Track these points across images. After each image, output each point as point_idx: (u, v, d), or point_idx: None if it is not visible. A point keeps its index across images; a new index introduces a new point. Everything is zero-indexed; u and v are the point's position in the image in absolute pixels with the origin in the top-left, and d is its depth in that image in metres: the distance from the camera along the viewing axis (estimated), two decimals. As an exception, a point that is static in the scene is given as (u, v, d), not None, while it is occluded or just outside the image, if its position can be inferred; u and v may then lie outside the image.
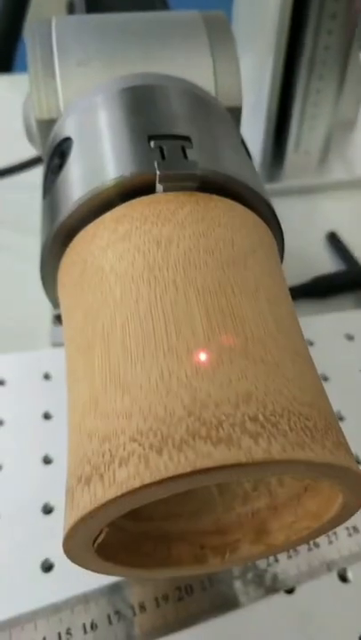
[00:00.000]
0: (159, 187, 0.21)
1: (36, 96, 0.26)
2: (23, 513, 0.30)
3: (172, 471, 0.15)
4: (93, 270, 0.21)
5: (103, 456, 0.16)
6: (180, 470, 0.15)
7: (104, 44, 0.27)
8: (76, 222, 0.22)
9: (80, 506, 0.16)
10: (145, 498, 0.15)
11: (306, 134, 0.51)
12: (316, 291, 0.43)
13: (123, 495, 0.15)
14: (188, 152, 0.22)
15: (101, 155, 0.22)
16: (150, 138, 0.22)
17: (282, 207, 0.50)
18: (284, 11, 0.43)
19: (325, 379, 0.36)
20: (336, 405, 0.34)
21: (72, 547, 0.18)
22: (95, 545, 0.19)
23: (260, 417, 0.16)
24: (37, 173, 0.33)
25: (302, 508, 0.22)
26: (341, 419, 0.34)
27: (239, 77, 0.27)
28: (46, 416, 0.34)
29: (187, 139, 0.22)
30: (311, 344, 0.38)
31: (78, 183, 0.22)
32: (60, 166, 0.24)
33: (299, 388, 0.18)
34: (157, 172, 0.21)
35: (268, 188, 0.51)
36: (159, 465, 0.15)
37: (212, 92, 0.27)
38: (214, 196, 0.22)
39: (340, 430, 0.18)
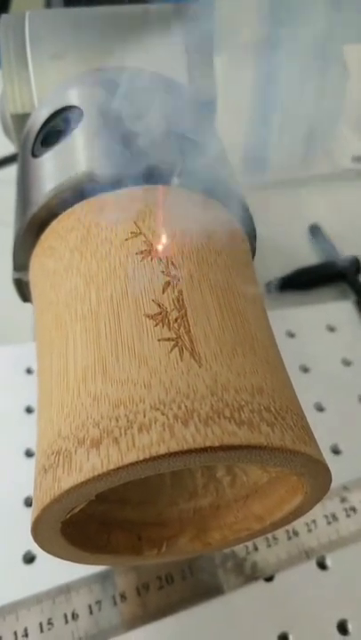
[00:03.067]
0: (175, 180, 0.22)
1: (10, 90, 0.26)
2: (5, 506, 0.30)
3: (199, 443, 0.15)
4: (100, 240, 0.21)
5: (117, 420, 0.16)
6: (208, 443, 0.15)
7: (79, 38, 0.27)
8: (49, 212, 0.22)
9: (86, 468, 0.16)
10: (158, 467, 0.16)
11: (289, 127, 0.51)
12: (299, 282, 0.43)
13: (144, 460, 0.15)
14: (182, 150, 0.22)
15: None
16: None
17: (265, 200, 0.50)
18: (264, 4, 0.43)
19: (306, 370, 0.37)
20: (317, 396, 0.35)
21: (51, 515, 0.17)
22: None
23: (272, 409, 0.17)
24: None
25: (247, 509, 0.23)
26: (322, 409, 0.34)
27: (213, 71, 0.27)
28: (28, 410, 0.34)
29: (180, 136, 0.23)
30: (293, 335, 0.39)
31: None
32: (33, 157, 0.24)
33: (291, 390, 0.19)
34: (176, 168, 0.22)
35: (252, 180, 0.52)
36: (186, 435, 0.15)
37: (186, 85, 0.27)
38: (194, 193, 0.22)
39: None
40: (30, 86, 0.26)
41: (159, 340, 0.18)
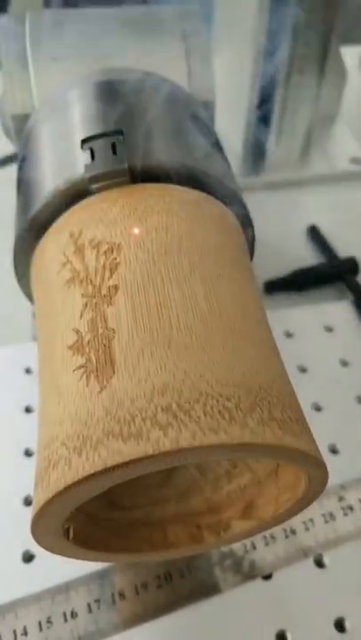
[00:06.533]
0: (93, 188, 0.21)
1: (10, 91, 0.26)
2: (4, 505, 0.30)
3: (87, 471, 0.16)
4: (41, 279, 0.22)
5: (44, 461, 0.17)
6: (94, 469, 0.16)
7: (79, 39, 0.27)
8: (48, 216, 0.22)
9: (33, 508, 0.18)
10: (77, 496, 0.16)
11: (287, 128, 0.51)
12: (297, 283, 0.43)
13: (54, 497, 0.16)
14: (118, 147, 0.22)
15: (54, 157, 0.23)
16: (83, 141, 0.22)
17: (263, 201, 0.50)
18: (264, 6, 0.43)
19: (304, 370, 0.37)
20: (314, 396, 0.35)
21: (41, 539, 0.19)
22: (70, 537, 0.20)
23: (174, 406, 0.16)
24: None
25: (281, 480, 0.22)
26: (319, 409, 0.35)
27: (212, 72, 0.27)
28: (27, 410, 0.34)
29: (118, 133, 0.22)
30: (291, 336, 0.39)
31: (45, 181, 0.23)
32: (32, 161, 0.24)
33: (227, 368, 0.18)
34: (86, 175, 0.21)
35: (250, 181, 0.52)
36: (78, 466, 0.16)
37: (185, 86, 0.27)
38: (149, 185, 0.22)
39: (277, 404, 0.18)
40: (30, 87, 0.26)
41: (74, 370, 0.18)
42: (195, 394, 0.16)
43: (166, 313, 0.18)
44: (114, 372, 0.17)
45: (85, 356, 0.18)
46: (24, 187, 0.24)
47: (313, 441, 0.18)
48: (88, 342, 0.18)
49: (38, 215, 0.22)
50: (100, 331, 0.18)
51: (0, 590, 0.27)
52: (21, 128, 0.26)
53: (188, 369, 0.17)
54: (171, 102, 0.25)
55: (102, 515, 0.23)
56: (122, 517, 0.24)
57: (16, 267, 0.24)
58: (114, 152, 0.22)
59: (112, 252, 0.20)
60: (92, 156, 0.22)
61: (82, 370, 0.18)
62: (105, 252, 0.20)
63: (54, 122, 0.24)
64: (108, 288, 0.19)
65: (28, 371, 0.36)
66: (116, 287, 0.19)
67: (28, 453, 0.32)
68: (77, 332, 0.19)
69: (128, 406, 0.16)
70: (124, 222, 0.20)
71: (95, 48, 0.27)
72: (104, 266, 0.19)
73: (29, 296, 0.26)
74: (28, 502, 0.30)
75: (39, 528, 0.18)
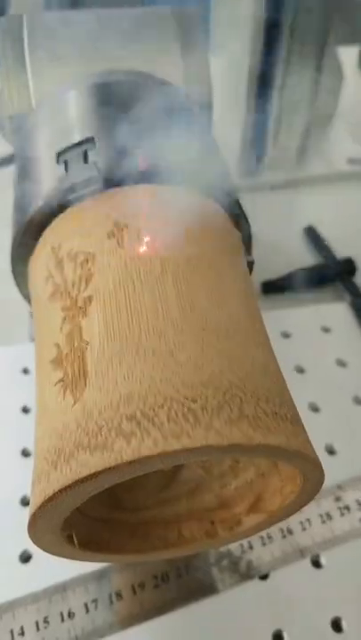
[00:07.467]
0: (70, 199, 0.21)
1: (7, 92, 0.26)
2: (2, 505, 0.30)
3: (61, 484, 0.16)
4: (33, 295, 0.22)
5: (33, 474, 0.18)
6: (66, 482, 0.16)
7: (76, 41, 0.27)
8: (44, 217, 0.22)
9: (28, 517, 0.18)
10: (56, 508, 0.17)
11: (284, 129, 0.51)
12: (294, 284, 0.43)
13: (38, 508, 0.17)
14: (90, 155, 0.22)
15: (37, 170, 0.23)
16: (58, 154, 0.23)
17: (261, 201, 0.50)
18: (260, 7, 0.43)
19: (301, 370, 0.37)
20: (311, 397, 0.35)
21: (39, 542, 0.20)
22: (75, 543, 0.21)
23: (138, 414, 0.16)
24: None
25: (282, 472, 0.23)
26: (317, 410, 0.35)
27: (209, 73, 0.28)
28: (25, 410, 0.34)
29: (90, 141, 0.22)
30: (288, 336, 0.39)
31: (30, 196, 0.23)
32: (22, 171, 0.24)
33: (195, 368, 0.17)
34: (61, 188, 0.21)
35: (248, 182, 0.52)
36: (54, 479, 0.16)
37: (182, 87, 0.27)
38: (127, 188, 0.22)
39: (249, 400, 0.17)
40: (28, 88, 0.26)
41: (55, 385, 0.18)
42: (160, 399, 0.16)
43: (136, 318, 0.18)
44: (85, 385, 0.17)
45: (63, 369, 0.18)
46: (16, 199, 0.24)
47: (294, 433, 0.18)
48: (66, 356, 0.18)
49: (26, 231, 0.22)
50: (76, 343, 0.18)
51: (-3, 590, 0.27)
52: (18, 129, 0.26)
53: (155, 374, 0.17)
54: (165, 103, 0.25)
55: (112, 517, 0.23)
56: (133, 519, 0.24)
57: (15, 277, 0.25)
58: (85, 161, 0.22)
59: (87, 262, 0.20)
60: (66, 168, 0.22)
61: (60, 384, 0.18)
62: (81, 264, 0.20)
63: (40, 132, 0.25)
64: (84, 299, 0.19)
65: (25, 371, 0.36)
66: (90, 298, 0.19)
67: (25, 453, 0.32)
68: (57, 345, 0.19)
69: (96, 417, 0.17)
70: (97, 231, 0.20)
71: (92, 49, 0.27)
72: (80, 277, 0.19)
73: (29, 299, 0.26)
74: (25, 502, 0.30)
75: (36, 530, 0.18)
